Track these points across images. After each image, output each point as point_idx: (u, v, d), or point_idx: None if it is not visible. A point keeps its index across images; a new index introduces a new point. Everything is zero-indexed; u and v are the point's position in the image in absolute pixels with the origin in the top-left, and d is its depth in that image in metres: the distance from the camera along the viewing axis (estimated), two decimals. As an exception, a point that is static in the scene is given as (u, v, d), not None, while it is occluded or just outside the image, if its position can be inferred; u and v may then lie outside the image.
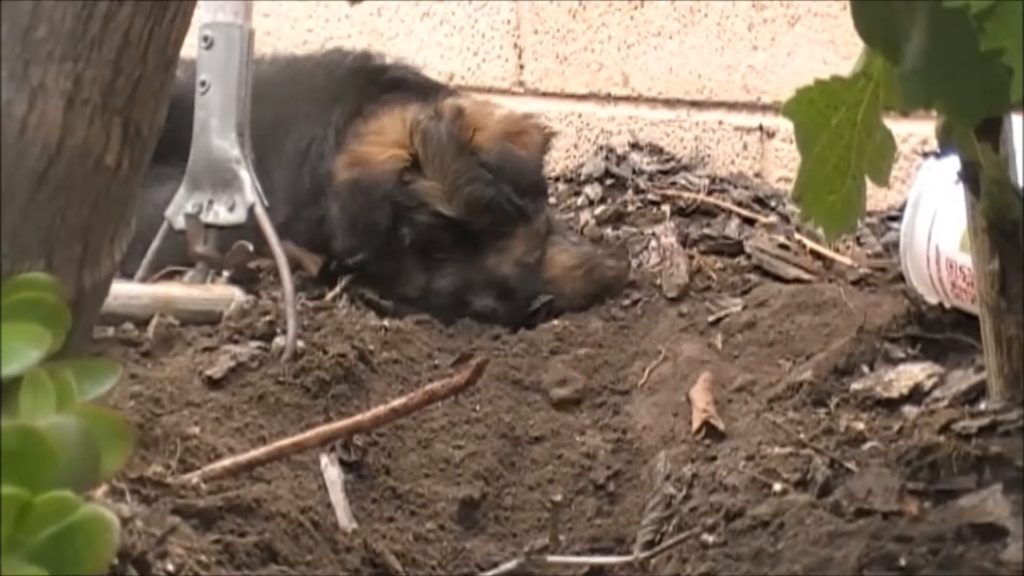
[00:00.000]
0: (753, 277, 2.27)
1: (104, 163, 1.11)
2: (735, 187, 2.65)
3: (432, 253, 2.34)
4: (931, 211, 1.87)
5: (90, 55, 1.07)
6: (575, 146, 2.93)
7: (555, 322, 2.26)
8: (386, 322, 2.18)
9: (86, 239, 1.12)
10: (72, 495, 0.91)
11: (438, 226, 2.31)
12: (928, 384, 1.75)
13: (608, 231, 2.54)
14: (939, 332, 1.87)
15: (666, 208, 2.56)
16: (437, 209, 2.29)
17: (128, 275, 2.23)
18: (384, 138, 2.35)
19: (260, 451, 1.69)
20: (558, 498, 1.55)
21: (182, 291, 2.24)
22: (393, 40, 3.16)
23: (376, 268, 2.37)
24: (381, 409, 1.69)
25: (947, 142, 1.34)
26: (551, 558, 1.54)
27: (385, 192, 2.31)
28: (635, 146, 2.84)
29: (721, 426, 1.81)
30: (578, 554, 1.60)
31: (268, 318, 2.10)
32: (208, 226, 2.31)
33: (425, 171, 2.30)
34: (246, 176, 2.28)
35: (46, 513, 0.89)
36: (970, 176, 1.36)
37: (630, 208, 2.60)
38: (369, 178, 2.32)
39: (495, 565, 1.59)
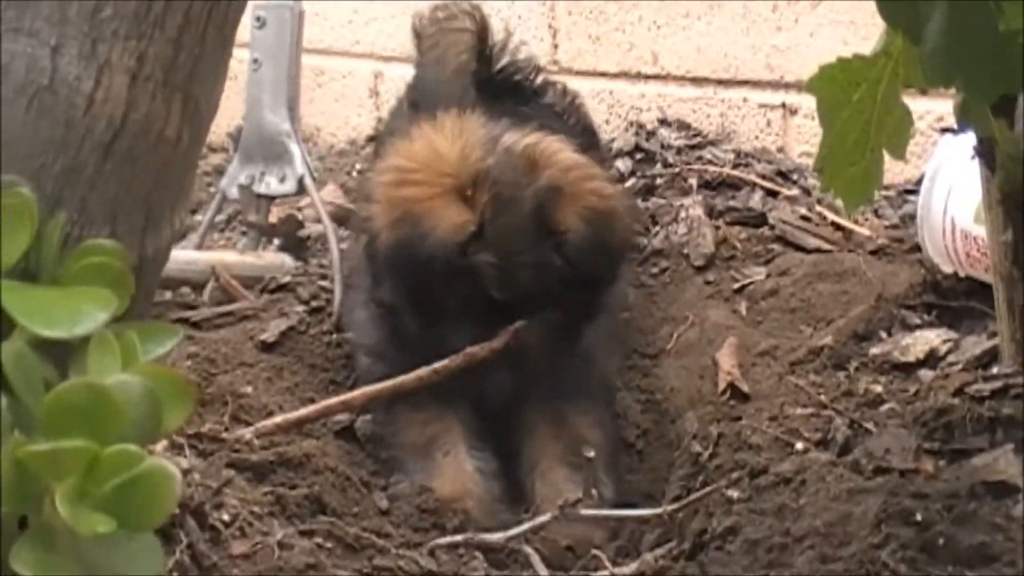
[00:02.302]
0: (776, 247, 2.26)
1: (165, 136, 1.11)
2: (759, 161, 2.63)
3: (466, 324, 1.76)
4: (947, 185, 1.87)
5: (153, 34, 1.07)
6: (607, 122, 2.91)
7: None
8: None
9: (148, 208, 1.13)
10: (136, 449, 0.92)
11: (480, 299, 1.74)
12: (943, 349, 1.75)
13: (638, 202, 2.53)
14: (954, 300, 1.87)
15: (693, 181, 2.54)
16: (488, 291, 1.72)
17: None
18: (442, 180, 1.74)
19: (309, 409, 1.70)
20: (591, 454, 1.55)
21: (236, 258, 2.25)
22: (434, 20, 3.16)
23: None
24: (424, 370, 1.70)
25: (964, 118, 1.33)
26: (584, 511, 1.54)
27: (442, 268, 1.71)
28: (664, 122, 2.82)
29: (745, 388, 1.81)
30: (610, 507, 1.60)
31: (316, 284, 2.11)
32: (260, 196, 2.31)
33: (486, 239, 1.71)
34: (296, 149, 2.28)
35: (113, 465, 0.90)
36: (986, 151, 1.35)
37: (659, 181, 2.59)
38: (423, 249, 1.72)
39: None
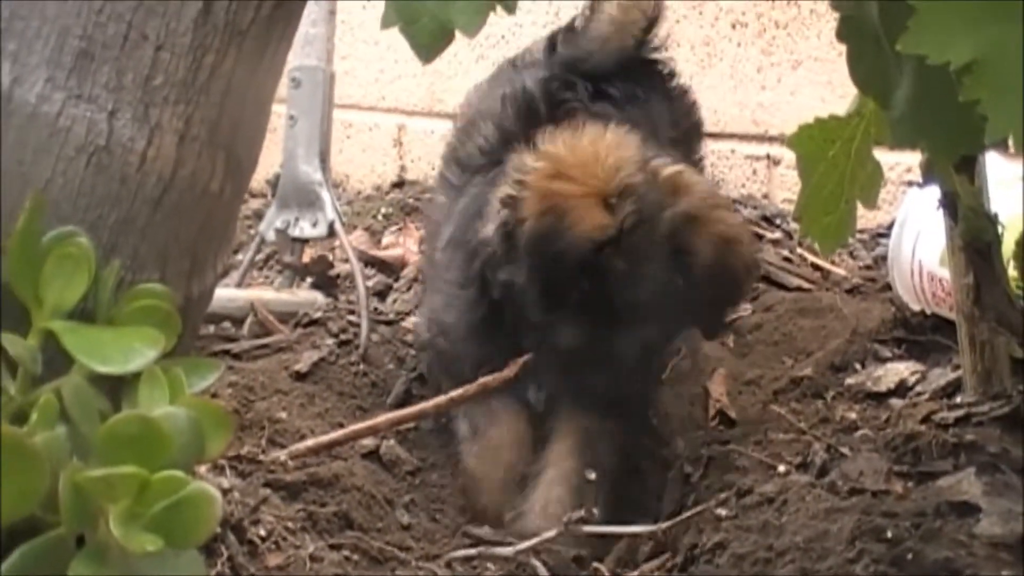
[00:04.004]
0: (761, 285, 2.26)
1: (210, 190, 1.12)
2: (745, 207, 2.63)
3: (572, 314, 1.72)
4: (915, 231, 1.87)
5: (199, 99, 1.08)
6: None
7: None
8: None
9: (194, 254, 1.13)
10: (182, 474, 0.92)
11: (599, 301, 1.68)
12: (912, 380, 1.75)
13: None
14: (921, 335, 1.87)
15: (686, 225, 2.54)
16: (611, 294, 1.67)
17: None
18: (590, 183, 1.68)
19: (338, 433, 1.70)
20: (592, 476, 1.54)
21: (272, 295, 2.26)
22: (452, 79, 3.17)
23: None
24: (443, 399, 1.70)
25: (929, 174, 1.34)
26: (587, 528, 1.54)
27: (576, 262, 1.65)
28: (659, 171, 2.83)
29: (733, 414, 1.80)
30: (610, 523, 1.60)
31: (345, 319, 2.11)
32: (294, 239, 2.32)
33: (622, 246, 1.65)
34: (327, 197, 2.29)
35: (161, 489, 0.91)
36: (949, 204, 1.36)
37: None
38: (563, 242, 1.66)
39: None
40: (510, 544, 1.55)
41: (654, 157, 1.73)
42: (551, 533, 1.53)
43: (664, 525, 1.52)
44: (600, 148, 1.71)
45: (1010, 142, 0.90)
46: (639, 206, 1.65)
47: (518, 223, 1.69)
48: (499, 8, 1.08)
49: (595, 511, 1.52)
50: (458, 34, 1.09)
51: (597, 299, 1.67)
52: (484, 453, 1.77)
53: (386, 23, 1.09)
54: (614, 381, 1.72)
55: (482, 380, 1.69)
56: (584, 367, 1.71)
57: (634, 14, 1.97)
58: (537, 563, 1.51)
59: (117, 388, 1.01)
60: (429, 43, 1.08)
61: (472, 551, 1.53)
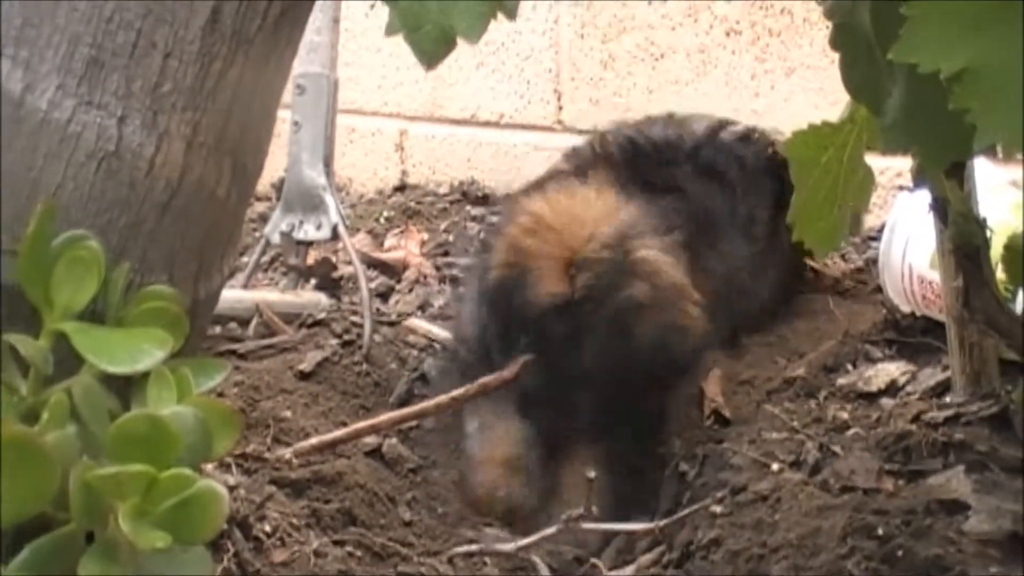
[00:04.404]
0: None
1: (216, 195, 1.12)
2: (739, 211, 2.63)
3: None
4: (905, 235, 1.87)
5: (206, 106, 1.08)
6: (605, 175, 2.92)
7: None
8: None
9: (201, 257, 1.13)
10: (190, 472, 0.92)
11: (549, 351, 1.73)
12: (902, 380, 1.74)
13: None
14: (911, 336, 1.86)
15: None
16: (558, 349, 1.71)
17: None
18: (560, 240, 1.73)
19: (341, 432, 1.70)
20: (592, 475, 1.54)
21: (277, 296, 2.25)
22: (453, 86, 3.17)
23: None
24: (443, 398, 1.70)
25: (920, 180, 1.34)
26: (585, 525, 1.54)
27: (527, 313, 1.72)
28: (655, 175, 2.83)
29: (728, 414, 1.80)
30: (608, 521, 1.60)
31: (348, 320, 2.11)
32: (299, 242, 2.32)
33: (571, 318, 1.71)
34: (331, 201, 2.29)
35: (168, 487, 0.91)
36: (939, 208, 1.36)
37: (651, 228, 2.58)
38: (517, 298, 1.72)
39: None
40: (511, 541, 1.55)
41: (639, 235, 1.76)
42: (551, 530, 1.53)
43: (662, 523, 1.52)
44: (582, 215, 1.76)
45: (999, 149, 0.91)
46: (595, 282, 1.70)
47: (486, 269, 1.76)
48: (499, 14, 1.08)
49: (594, 509, 1.52)
50: (459, 41, 1.08)
51: (547, 354, 1.71)
52: (487, 443, 1.77)
53: (390, 30, 1.09)
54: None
55: (482, 380, 1.70)
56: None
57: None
58: (537, 559, 1.51)
59: (126, 388, 1.01)
60: (432, 49, 1.08)
61: (474, 547, 1.53)
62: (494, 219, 1.96)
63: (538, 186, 1.92)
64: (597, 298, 1.70)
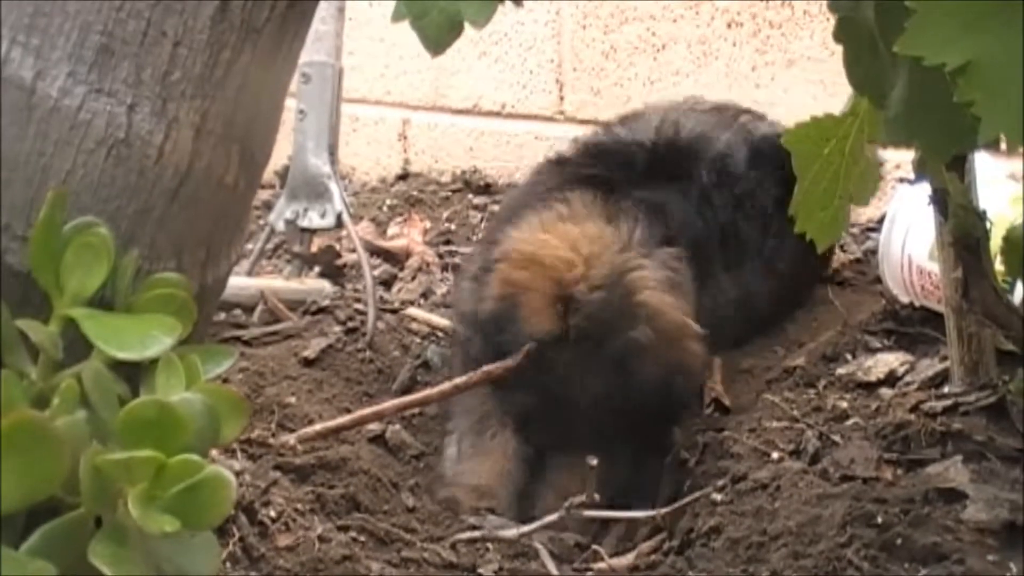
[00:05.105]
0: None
1: (224, 183, 1.11)
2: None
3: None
4: (905, 226, 1.87)
5: (215, 94, 1.08)
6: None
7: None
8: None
9: (209, 244, 1.13)
10: (198, 458, 0.92)
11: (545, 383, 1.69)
12: (901, 371, 1.75)
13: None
14: (910, 327, 1.87)
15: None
16: (554, 381, 1.69)
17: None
18: (551, 275, 1.70)
19: (345, 418, 1.70)
20: (594, 462, 1.54)
21: (281, 283, 2.26)
22: (455, 75, 3.16)
23: None
24: (446, 385, 1.70)
25: (921, 171, 1.34)
26: (587, 512, 1.54)
27: (515, 346, 1.69)
28: (656, 165, 2.83)
29: (728, 403, 1.80)
30: (610, 509, 1.60)
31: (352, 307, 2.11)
32: (303, 230, 2.32)
33: (567, 353, 1.68)
34: (335, 189, 2.29)
35: (177, 473, 0.90)
36: (940, 200, 1.36)
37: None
38: (510, 331, 1.70)
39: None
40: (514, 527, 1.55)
41: (634, 269, 1.72)
42: (553, 517, 1.53)
43: (664, 510, 1.53)
44: (574, 246, 1.72)
45: (1003, 142, 0.91)
46: (588, 322, 1.67)
47: (479, 300, 1.74)
48: (508, 2, 1.08)
49: (596, 496, 1.52)
50: (465, 28, 1.08)
51: (542, 386, 1.68)
52: (462, 477, 1.74)
53: (396, 17, 1.09)
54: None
55: (486, 368, 1.69)
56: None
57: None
58: (539, 545, 1.51)
59: (135, 374, 1.01)
60: (438, 36, 1.08)
61: (476, 533, 1.54)
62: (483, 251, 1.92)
63: (526, 204, 1.90)
64: (595, 337, 1.68)
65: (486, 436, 1.75)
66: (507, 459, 1.73)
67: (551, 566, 1.47)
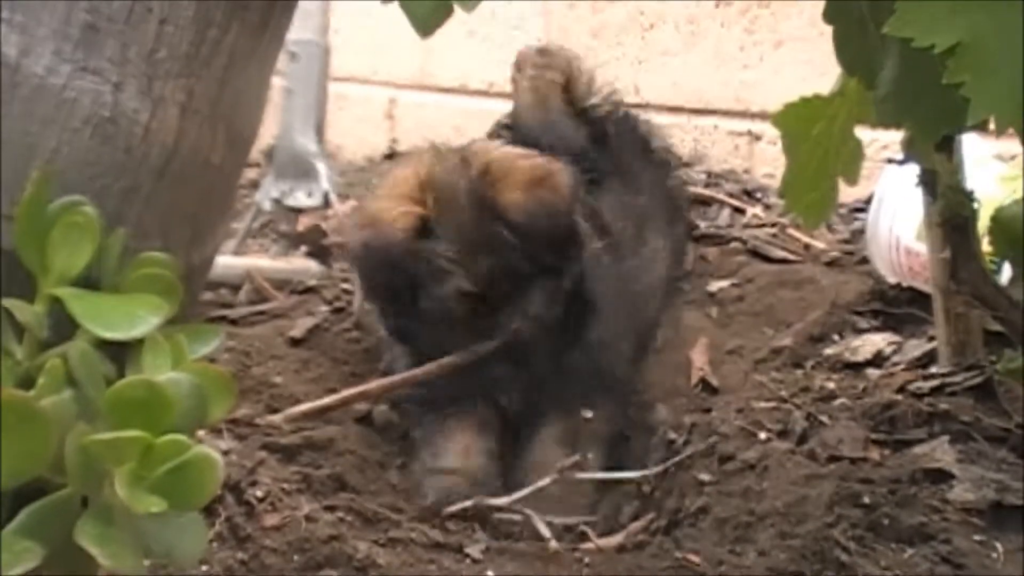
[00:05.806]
0: (742, 258, 2.26)
1: (211, 162, 1.11)
2: (727, 181, 2.63)
3: (449, 323, 1.70)
4: (893, 207, 1.87)
5: (201, 72, 1.07)
6: (594, 145, 2.91)
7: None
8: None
9: (195, 224, 1.12)
10: (185, 438, 0.92)
11: (455, 298, 1.68)
12: (888, 351, 1.75)
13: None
14: (897, 307, 1.87)
15: (669, 198, 2.53)
16: (455, 283, 1.67)
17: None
18: (396, 191, 1.73)
19: (332, 398, 1.70)
20: (589, 415, 1.54)
21: (268, 263, 2.25)
22: (442, 54, 3.16)
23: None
24: (432, 365, 1.70)
25: (910, 152, 1.34)
26: (580, 475, 1.54)
27: (397, 257, 1.69)
28: (644, 146, 2.82)
29: (715, 383, 1.81)
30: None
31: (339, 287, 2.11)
32: (290, 209, 2.31)
33: (440, 234, 1.67)
34: (322, 168, 2.28)
35: (164, 453, 0.90)
36: (928, 181, 1.36)
37: (639, 199, 2.58)
38: (380, 241, 1.70)
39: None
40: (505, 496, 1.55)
41: (479, 150, 1.75)
42: (545, 481, 1.53)
43: (654, 471, 1.53)
44: (415, 169, 1.74)
45: (991, 123, 0.91)
46: (438, 189, 1.69)
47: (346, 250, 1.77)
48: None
49: (589, 456, 1.52)
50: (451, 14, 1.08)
51: (457, 301, 1.68)
52: (442, 451, 1.73)
53: (385, -3, 1.08)
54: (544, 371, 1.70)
55: (473, 347, 1.69)
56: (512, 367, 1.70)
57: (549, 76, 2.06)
58: (531, 512, 1.50)
59: (121, 354, 1.00)
60: (427, 17, 1.07)
61: (468, 503, 1.53)
62: None
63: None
64: (451, 196, 1.69)
65: (452, 427, 1.74)
66: (474, 434, 1.72)
67: (543, 529, 1.46)
